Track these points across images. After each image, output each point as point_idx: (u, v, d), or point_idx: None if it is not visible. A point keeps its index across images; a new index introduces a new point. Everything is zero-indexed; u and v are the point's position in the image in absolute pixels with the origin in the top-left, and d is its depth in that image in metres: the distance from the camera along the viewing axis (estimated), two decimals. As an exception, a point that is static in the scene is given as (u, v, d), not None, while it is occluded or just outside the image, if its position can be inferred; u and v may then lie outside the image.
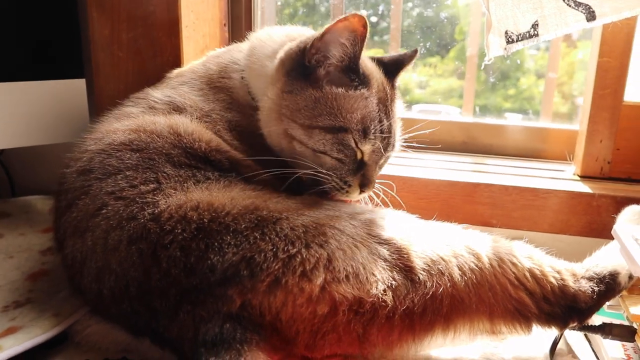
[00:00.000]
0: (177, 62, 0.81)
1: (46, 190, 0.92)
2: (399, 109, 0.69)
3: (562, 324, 0.53)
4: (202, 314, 0.47)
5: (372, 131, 0.61)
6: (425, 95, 1.13)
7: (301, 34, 0.67)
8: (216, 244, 0.47)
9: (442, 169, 0.82)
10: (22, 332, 0.53)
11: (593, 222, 0.73)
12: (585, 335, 0.59)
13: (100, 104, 0.84)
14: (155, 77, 0.76)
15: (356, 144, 0.60)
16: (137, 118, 0.62)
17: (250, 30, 0.98)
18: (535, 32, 0.68)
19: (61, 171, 0.61)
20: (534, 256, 0.55)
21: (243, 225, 0.48)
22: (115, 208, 0.52)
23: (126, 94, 0.74)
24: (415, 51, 0.70)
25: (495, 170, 0.83)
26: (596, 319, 0.55)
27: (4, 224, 0.84)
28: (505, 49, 0.69)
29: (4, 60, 0.78)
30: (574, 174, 0.82)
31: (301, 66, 0.60)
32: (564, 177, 0.81)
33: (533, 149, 0.90)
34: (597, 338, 0.56)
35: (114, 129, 0.60)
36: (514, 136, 0.92)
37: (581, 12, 0.66)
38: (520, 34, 0.68)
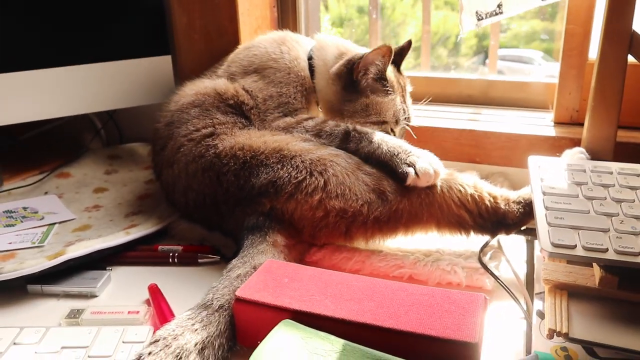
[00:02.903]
0: (236, 42, 1.06)
1: (144, 139, 1.23)
2: (408, 89, 0.94)
3: (492, 233, 0.76)
4: (248, 211, 0.75)
5: (401, 119, 0.88)
6: (506, 40, 1.25)
7: (347, 48, 0.92)
8: (255, 172, 0.74)
9: (438, 117, 1.04)
10: (140, 227, 0.84)
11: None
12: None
13: (181, 75, 1.12)
14: (220, 54, 1.02)
15: (391, 129, 0.88)
16: (196, 85, 0.90)
17: (295, 10, 1.22)
18: (500, 11, 0.86)
19: (155, 125, 0.90)
20: (477, 185, 0.76)
21: (271, 161, 0.74)
22: (189, 147, 0.80)
23: (200, 67, 1.02)
24: (409, 42, 0.94)
25: (486, 118, 1.03)
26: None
27: (117, 164, 1.17)
28: (476, 25, 0.88)
29: (113, 44, 1.08)
30: (551, 121, 1.00)
31: (351, 80, 0.87)
32: (540, 124, 0.99)
33: (525, 100, 1.08)
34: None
35: (185, 94, 0.89)
36: (510, 89, 1.10)
37: (538, -8, 0.84)
38: (488, 13, 0.87)
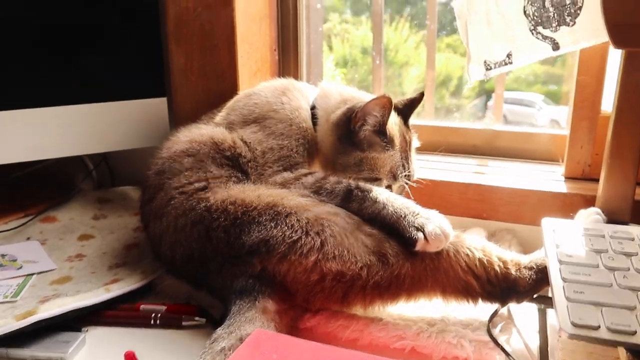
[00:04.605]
0: (234, 85, 1.03)
1: (138, 182, 1.18)
2: (414, 145, 0.90)
3: (502, 301, 0.69)
4: (237, 272, 0.69)
5: (399, 176, 0.83)
6: (507, 83, 1.23)
7: (351, 95, 0.88)
8: (246, 229, 0.69)
9: (442, 170, 0.99)
10: (122, 282, 0.78)
11: (564, 217, 0.87)
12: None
13: (177, 118, 1.08)
14: (217, 97, 0.99)
15: (387, 186, 0.82)
16: (191, 131, 0.85)
17: (297, 53, 1.19)
18: (510, 61, 0.83)
19: (145, 172, 0.86)
20: (486, 249, 0.70)
21: (264, 218, 0.69)
22: (179, 200, 0.75)
23: (197, 111, 0.98)
24: (422, 94, 0.90)
25: (492, 171, 0.99)
26: None
27: (107, 208, 1.11)
28: (485, 74, 0.84)
29: (108, 84, 1.05)
30: (562, 175, 0.96)
31: (348, 130, 0.82)
32: (550, 178, 0.94)
33: (533, 151, 1.03)
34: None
35: (179, 140, 0.84)
36: (516, 139, 1.06)
37: (547, 43, 0.80)
38: (496, 62, 0.83)
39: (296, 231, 0.67)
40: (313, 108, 0.87)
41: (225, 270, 0.70)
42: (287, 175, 0.78)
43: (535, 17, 0.79)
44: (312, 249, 0.66)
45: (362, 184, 0.76)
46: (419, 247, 0.67)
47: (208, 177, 0.77)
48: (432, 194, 0.93)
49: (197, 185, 0.76)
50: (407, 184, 0.85)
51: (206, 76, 1.05)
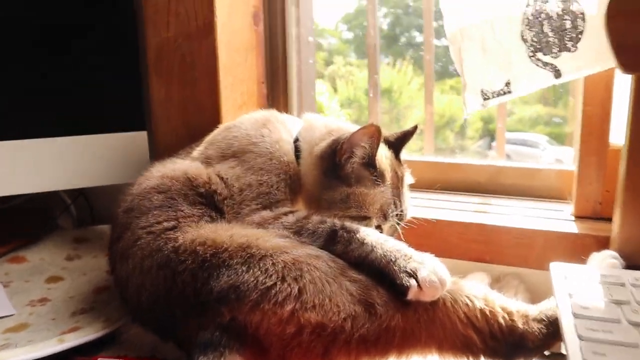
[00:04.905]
0: (216, 118, 0.97)
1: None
2: (407, 181, 0.82)
3: (508, 359, 0.61)
4: (203, 323, 0.60)
5: (390, 214, 0.75)
6: (511, 123, 1.19)
7: (339, 127, 0.81)
8: (215, 273, 0.61)
9: (441, 208, 0.91)
10: (81, 331, 0.70)
11: (575, 260, 0.78)
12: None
13: (158, 152, 1.02)
14: (199, 131, 0.92)
15: (376, 226, 0.75)
16: (166, 166, 0.78)
17: (287, 86, 1.14)
18: (509, 90, 0.76)
19: (114, 210, 0.79)
20: (488, 298, 0.62)
21: (235, 261, 0.61)
22: (146, 241, 0.68)
23: (177, 145, 0.91)
24: (415, 127, 0.83)
25: (495, 210, 0.91)
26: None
27: (82, 248, 1.04)
28: (482, 104, 0.78)
29: (86, 117, 0.99)
30: (571, 214, 0.88)
31: (334, 163, 0.75)
32: (558, 217, 0.86)
33: (538, 188, 0.96)
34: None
35: (151, 175, 0.77)
36: (521, 176, 0.99)
37: (549, 70, 0.74)
38: (494, 92, 0.77)
39: (271, 276, 0.59)
40: (296, 141, 0.80)
41: (192, 320, 0.62)
42: (265, 214, 0.70)
43: (534, 43, 0.73)
44: (289, 296, 0.58)
45: (348, 223, 0.68)
46: (411, 295, 0.59)
47: (178, 216, 0.69)
48: (428, 235, 0.85)
49: (166, 224, 0.69)
50: (399, 223, 0.77)
51: (187, 109, 0.99)
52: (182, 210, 0.70)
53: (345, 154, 0.74)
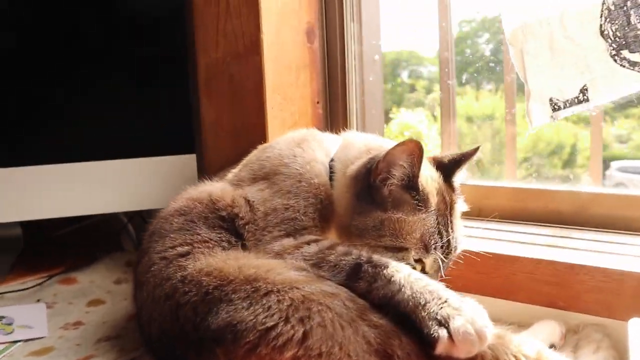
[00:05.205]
0: (263, 139, 0.92)
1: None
2: (459, 209, 0.70)
3: None
4: None
5: (432, 246, 0.63)
6: (628, 151, 1.07)
7: (379, 145, 0.72)
8: (215, 308, 0.54)
9: (507, 240, 0.77)
10: None
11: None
12: None
13: (208, 174, 0.99)
14: (246, 152, 0.88)
15: (416, 260, 0.64)
16: (197, 188, 0.74)
17: (346, 107, 1.07)
18: (585, 97, 0.63)
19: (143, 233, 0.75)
20: (543, 356, 0.49)
21: (237, 295, 0.53)
22: (159, 267, 0.63)
23: (226, 166, 0.88)
24: (476, 148, 0.71)
25: (576, 244, 0.75)
26: None
27: (129, 270, 1.04)
28: (552, 116, 0.65)
29: (138, 141, 1.00)
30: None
31: (367, 186, 0.65)
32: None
33: (624, 219, 0.78)
34: None
35: (180, 197, 0.73)
36: (620, 205, 0.81)
37: (637, 71, 0.60)
38: (567, 100, 0.63)
39: (272, 315, 0.51)
40: (332, 161, 0.72)
41: (191, 358, 0.55)
42: (287, 242, 0.62)
43: (617, 39, 0.60)
44: (291, 340, 0.50)
45: (377, 257, 0.58)
46: (440, 349, 0.48)
47: (194, 241, 0.64)
48: (489, 272, 0.72)
49: (179, 249, 0.64)
50: (445, 259, 0.65)
51: (236, 131, 0.96)
52: (199, 234, 0.65)
53: (382, 174, 0.64)
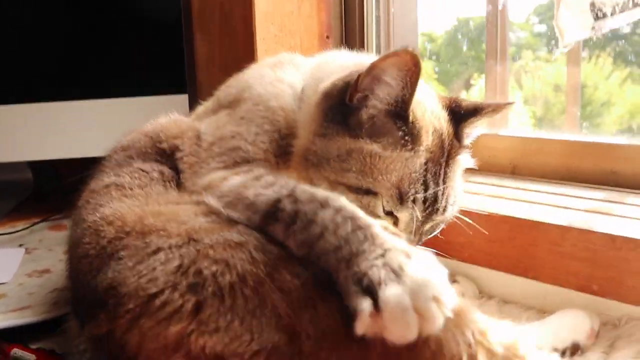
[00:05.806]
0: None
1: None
2: (462, 164, 0.54)
3: None
4: (85, 328, 0.44)
5: (411, 197, 0.48)
6: None
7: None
8: (105, 266, 0.43)
9: (525, 201, 0.60)
10: (28, 311, 0.61)
11: None
12: None
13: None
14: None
15: (387, 212, 0.49)
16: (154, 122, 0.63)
17: (363, 43, 0.91)
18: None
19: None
20: (518, 348, 0.34)
21: (126, 252, 0.42)
22: (80, 206, 0.53)
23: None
24: (510, 103, 0.56)
25: (624, 211, 0.56)
26: None
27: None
28: (594, 28, 0.46)
29: (126, 80, 0.92)
30: None
31: (342, 104, 0.50)
32: None
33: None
34: None
35: (134, 130, 0.63)
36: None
37: None
38: (616, 4, 0.45)
39: (156, 279, 0.39)
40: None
41: (87, 323, 0.45)
42: (218, 175, 0.49)
43: None
44: (179, 312, 0.37)
45: (303, 187, 0.44)
46: (360, 328, 0.33)
47: (117, 181, 0.53)
48: (504, 241, 0.56)
49: (106, 180, 0.54)
50: (425, 219, 0.49)
51: (227, 66, 0.84)
52: (132, 167, 0.54)
53: (362, 92, 0.49)
